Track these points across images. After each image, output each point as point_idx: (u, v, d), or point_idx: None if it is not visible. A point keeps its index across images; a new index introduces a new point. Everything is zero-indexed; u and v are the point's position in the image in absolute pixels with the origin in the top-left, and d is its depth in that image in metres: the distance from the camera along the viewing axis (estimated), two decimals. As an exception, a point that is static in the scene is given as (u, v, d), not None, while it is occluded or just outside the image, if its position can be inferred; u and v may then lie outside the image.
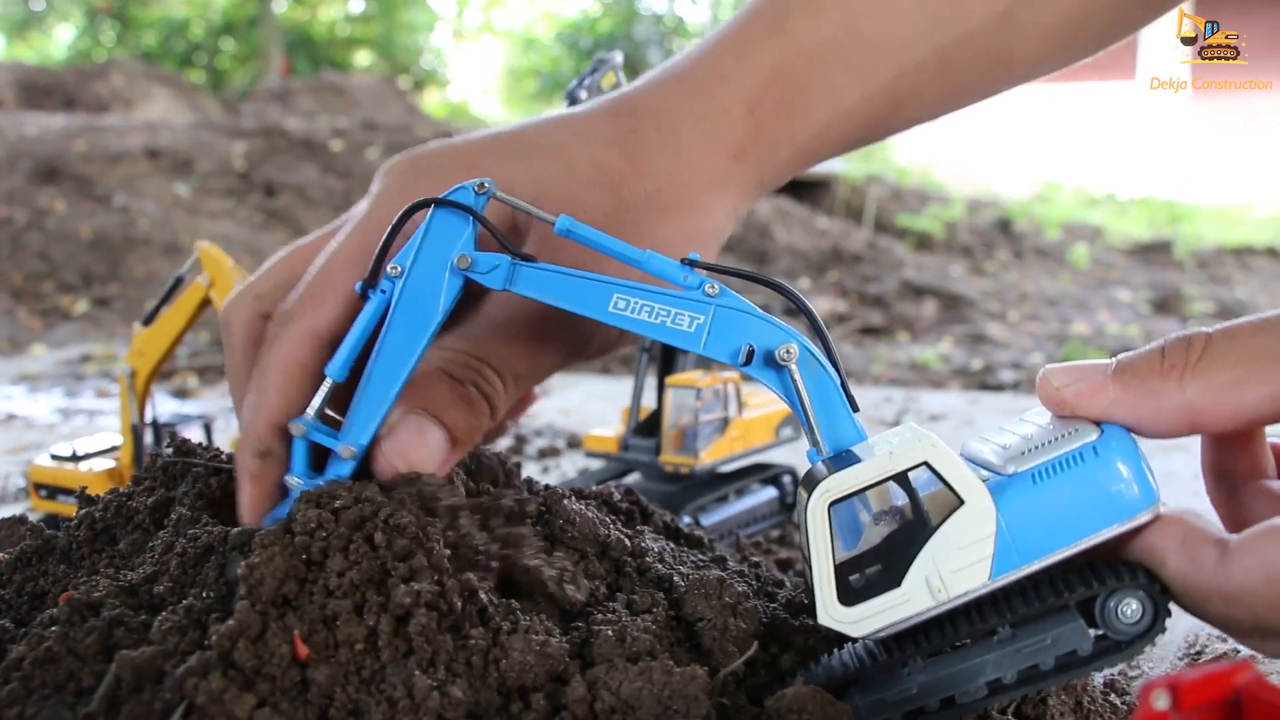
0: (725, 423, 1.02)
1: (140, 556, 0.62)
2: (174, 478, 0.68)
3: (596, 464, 1.12)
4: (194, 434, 1.10)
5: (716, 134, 0.68)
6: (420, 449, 0.57)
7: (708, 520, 0.97)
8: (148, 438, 1.09)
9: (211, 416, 1.24)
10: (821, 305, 2.68)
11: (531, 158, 0.65)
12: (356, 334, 0.56)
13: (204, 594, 0.54)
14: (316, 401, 0.56)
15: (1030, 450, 0.51)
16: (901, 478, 0.50)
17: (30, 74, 5.83)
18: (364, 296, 0.56)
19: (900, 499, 0.51)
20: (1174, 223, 5.70)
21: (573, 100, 0.85)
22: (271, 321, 0.61)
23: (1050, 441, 0.51)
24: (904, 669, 0.52)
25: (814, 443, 0.53)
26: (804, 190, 4.45)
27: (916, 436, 0.51)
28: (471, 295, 0.60)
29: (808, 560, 0.52)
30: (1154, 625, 0.51)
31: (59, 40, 14.31)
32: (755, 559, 0.77)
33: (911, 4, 0.68)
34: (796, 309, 0.54)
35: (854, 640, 0.53)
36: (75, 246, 3.06)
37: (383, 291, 0.56)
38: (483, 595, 0.52)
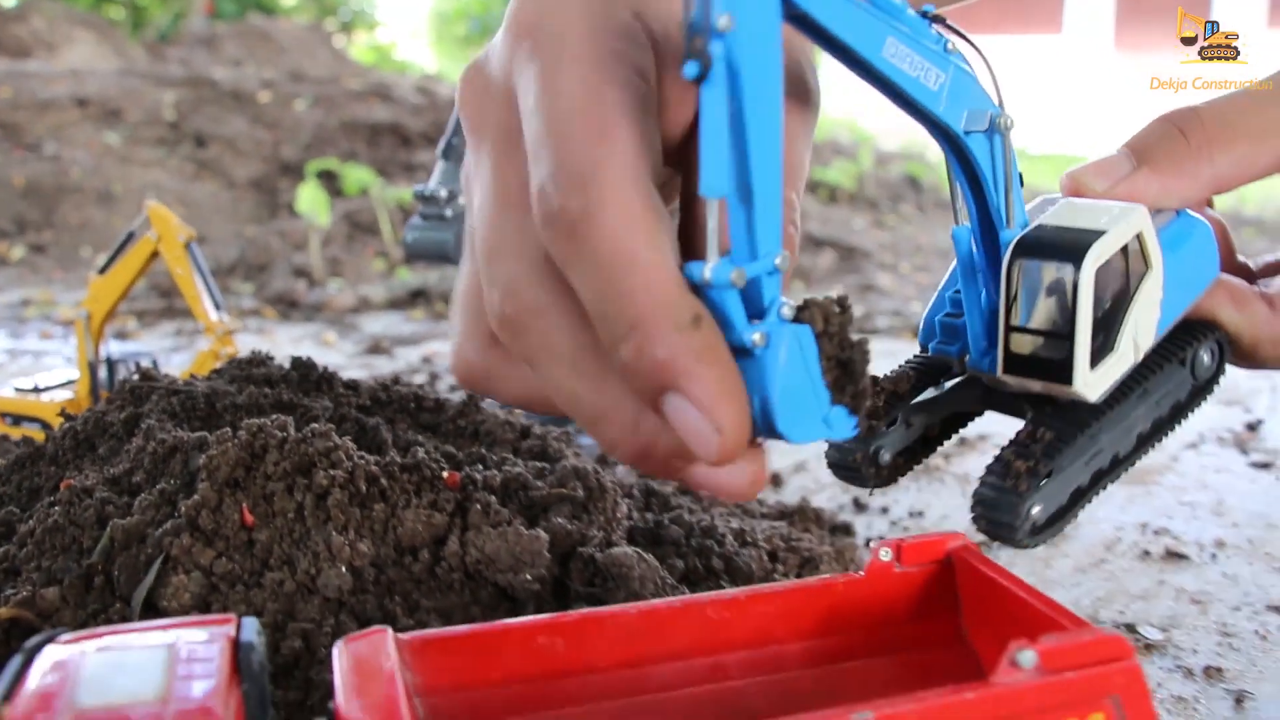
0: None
1: (117, 458, 0.79)
2: (140, 398, 0.85)
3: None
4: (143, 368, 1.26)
5: None
6: None
7: (588, 442, 1.16)
8: (101, 373, 1.25)
9: (154, 354, 1.40)
10: (724, 256, 2.87)
11: None
12: (713, 133, 0.40)
13: (172, 480, 0.72)
14: (715, 237, 0.41)
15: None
16: (1124, 248, 0.54)
17: (-53, 15, 5.77)
18: (700, 80, 0.40)
19: (1110, 270, 0.54)
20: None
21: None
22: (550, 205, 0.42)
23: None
24: (1089, 438, 0.56)
25: (999, 221, 0.54)
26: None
27: (1124, 210, 0.55)
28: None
29: (1024, 327, 0.54)
30: (1219, 371, 0.61)
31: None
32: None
33: None
34: (989, 72, 0.53)
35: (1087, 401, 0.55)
36: (8, 194, 3.14)
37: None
38: (383, 480, 0.70)
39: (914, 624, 0.56)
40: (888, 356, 1.87)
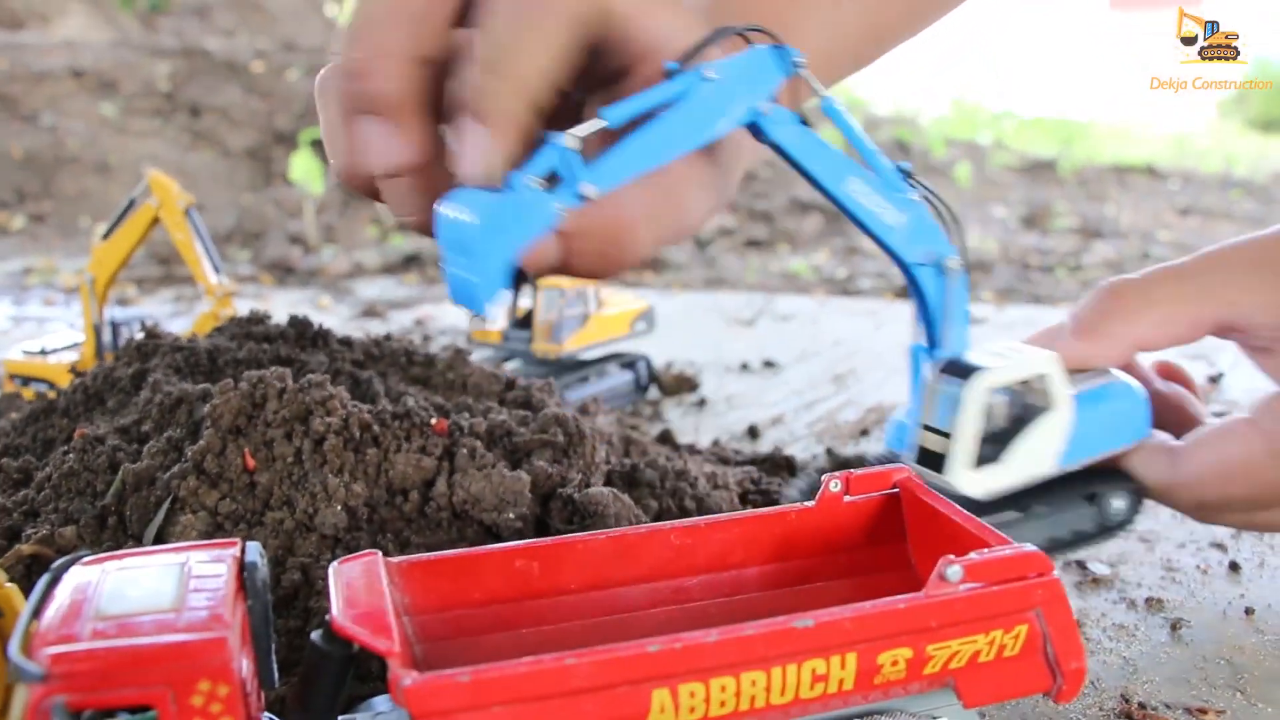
0: (585, 318, 1.26)
1: (126, 409, 0.84)
2: (146, 355, 0.90)
3: (486, 352, 1.35)
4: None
5: None
6: (618, 241, 0.53)
7: (571, 396, 1.21)
8: (105, 335, 1.30)
9: (155, 317, 1.45)
10: (711, 220, 2.91)
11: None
12: (646, 103, 0.52)
13: (179, 429, 0.76)
14: (583, 130, 0.50)
15: (1082, 383, 0.69)
16: (1027, 381, 0.66)
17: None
18: (668, 74, 0.53)
19: (1007, 398, 0.68)
20: (1067, 142, 5.91)
21: None
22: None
23: (1089, 379, 0.69)
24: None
25: (935, 342, 0.66)
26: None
27: (1035, 353, 0.67)
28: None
29: (932, 428, 0.67)
30: (1132, 515, 0.72)
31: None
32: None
33: None
34: (949, 221, 0.64)
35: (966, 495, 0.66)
36: (7, 165, 3.17)
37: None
38: (375, 427, 0.74)
39: (863, 550, 0.61)
40: (868, 315, 1.92)
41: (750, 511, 0.59)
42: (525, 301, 1.29)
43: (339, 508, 0.69)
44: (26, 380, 1.29)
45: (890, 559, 0.61)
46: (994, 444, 0.66)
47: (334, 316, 1.94)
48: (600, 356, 1.32)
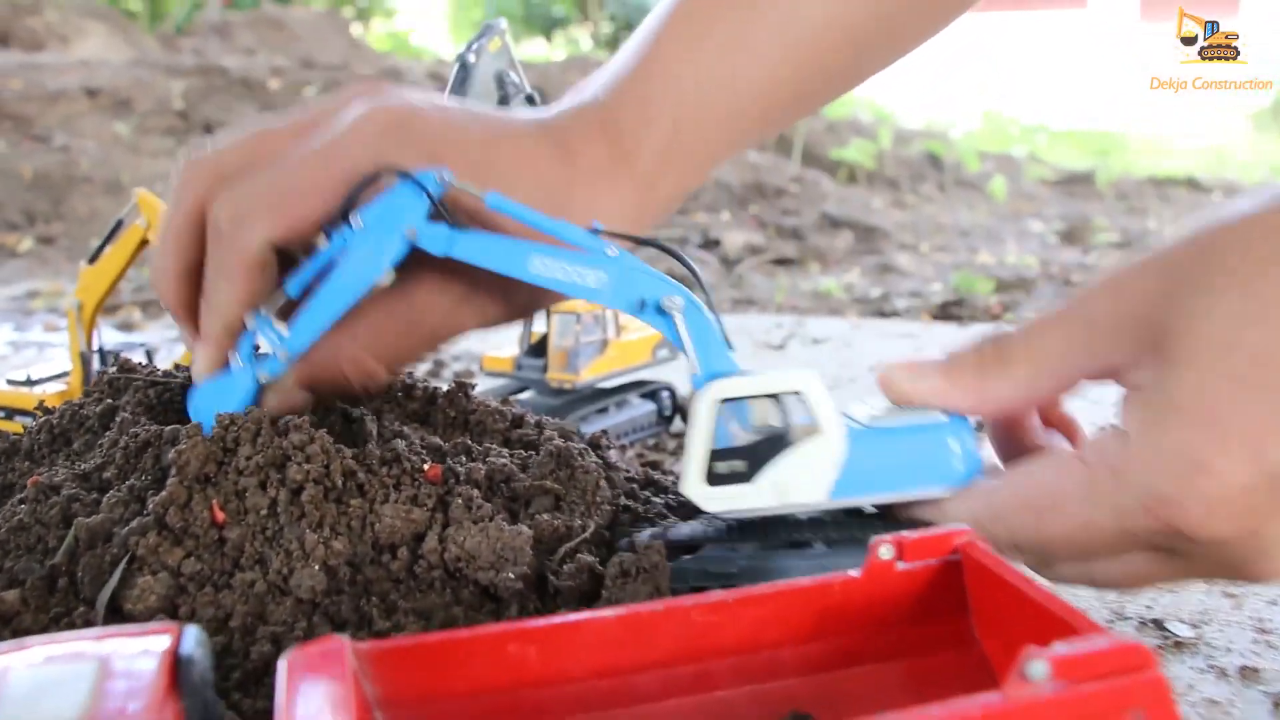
0: (604, 344, 1.18)
1: (91, 452, 0.76)
2: (118, 390, 0.82)
3: (498, 382, 1.27)
4: (137, 359, 1.23)
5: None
6: (344, 374, 0.71)
7: (589, 430, 1.12)
8: (95, 364, 1.22)
9: (154, 346, 1.37)
10: (738, 238, 2.82)
11: (492, 145, 0.73)
12: (317, 265, 0.64)
13: (143, 476, 0.68)
14: (271, 308, 0.65)
15: (892, 417, 0.63)
16: (777, 397, 0.61)
17: (-39, 9, 5.78)
18: (327, 235, 0.64)
19: (773, 420, 0.62)
20: (1103, 154, 5.82)
21: (463, 64, 0.97)
22: (228, 204, 0.66)
23: (907, 415, 0.63)
24: (734, 551, 0.64)
25: (695, 367, 0.63)
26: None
27: (799, 371, 0.62)
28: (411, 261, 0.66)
29: (686, 444, 0.63)
30: None
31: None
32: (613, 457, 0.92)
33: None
34: (684, 267, 0.66)
35: (703, 514, 0.65)
36: (16, 185, 3.12)
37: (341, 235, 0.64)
38: (360, 474, 0.66)
39: (919, 626, 0.52)
40: (907, 338, 1.83)
41: (786, 584, 0.50)
42: (539, 326, 1.21)
43: (316, 567, 0.61)
44: (11, 413, 1.21)
45: (949, 636, 0.52)
46: (746, 461, 0.62)
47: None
48: (620, 385, 1.23)
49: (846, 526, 0.64)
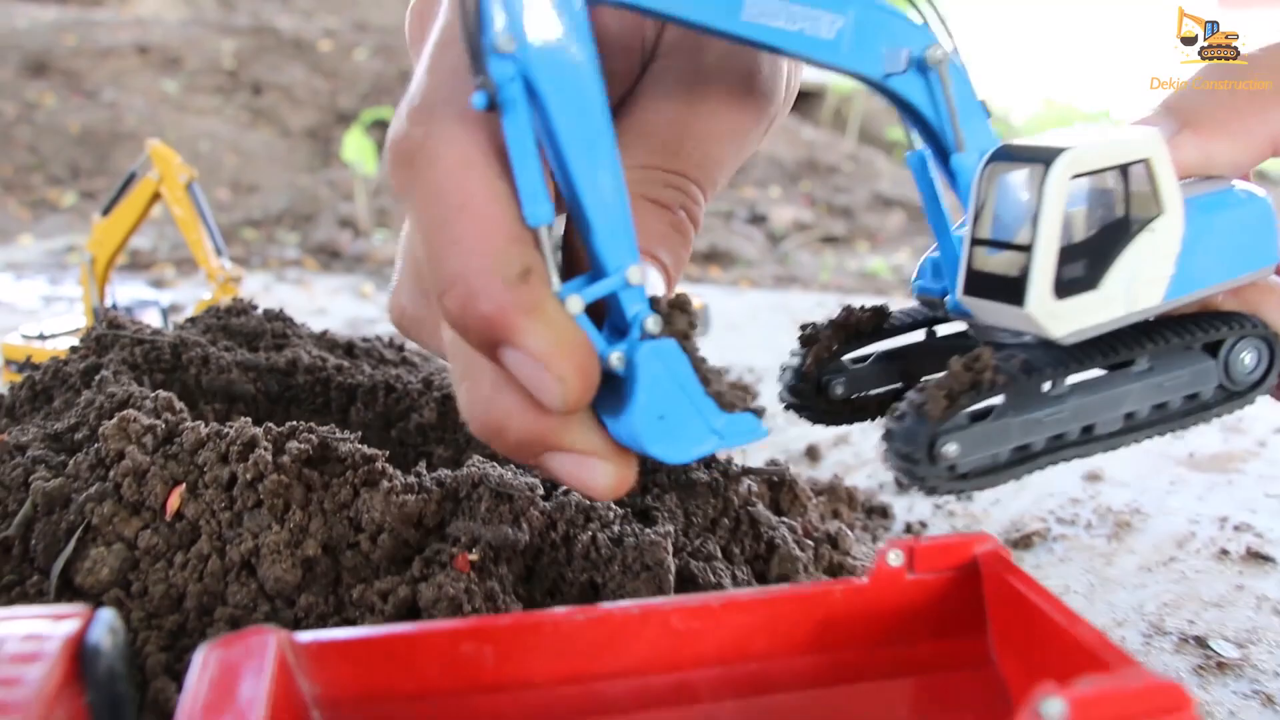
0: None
1: (68, 412, 0.72)
2: (105, 347, 0.78)
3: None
4: (151, 317, 1.20)
5: None
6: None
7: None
8: (108, 320, 1.19)
9: (181, 305, 1.34)
10: (787, 214, 2.75)
11: None
12: (524, 161, 0.38)
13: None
14: (551, 262, 0.39)
15: (1184, 189, 0.49)
16: (1124, 169, 0.46)
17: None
18: (493, 107, 0.37)
19: (1100, 195, 0.47)
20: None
21: None
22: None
23: (1194, 186, 0.50)
24: (1048, 390, 0.49)
25: (950, 145, 0.48)
26: (796, 101, 4.48)
27: (1127, 131, 0.48)
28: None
29: (994, 241, 0.47)
30: (1266, 376, 0.53)
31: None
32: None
33: None
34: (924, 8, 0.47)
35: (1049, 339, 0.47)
36: (64, 140, 3.13)
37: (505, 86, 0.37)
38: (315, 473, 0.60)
39: (929, 642, 0.46)
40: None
41: (780, 589, 0.45)
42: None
43: (283, 550, 0.56)
44: (23, 366, 1.19)
45: (963, 655, 0.46)
46: (1083, 262, 0.47)
47: (374, 305, 1.84)
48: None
49: (1172, 331, 0.51)
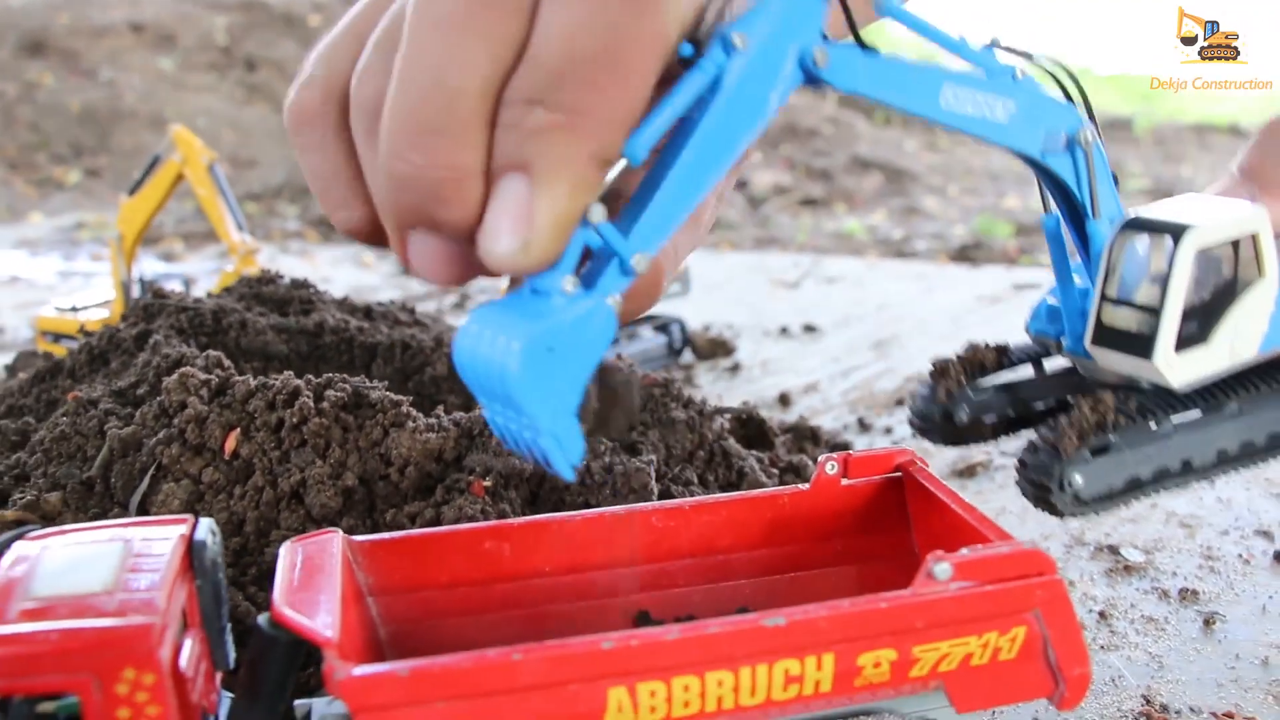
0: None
1: (127, 371, 0.82)
2: (152, 315, 0.88)
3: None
4: (173, 288, 1.30)
5: None
6: (660, 284, 0.44)
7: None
8: (135, 292, 1.29)
9: (193, 277, 1.44)
10: (766, 178, 2.84)
11: None
12: (673, 109, 0.39)
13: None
14: (603, 190, 0.39)
15: None
16: (1235, 243, 0.54)
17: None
18: (685, 63, 0.40)
19: (1212, 262, 0.54)
20: (1148, 99, 5.68)
21: None
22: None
23: None
24: (1155, 430, 0.56)
25: (1085, 211, 0.54)
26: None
27: (1239, 207, 0.54)
28: None
29: (1122, 300, 0.54)
30: None
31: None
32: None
33: None
34: (1067, 91, 0.53)
35: (1160, 389, 0.55)
36: (65, 119, 3.21)
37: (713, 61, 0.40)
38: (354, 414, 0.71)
39: (862, 537, 0.57)
40: (919, 279, 1.86)
41: (738, 494, 0.55)
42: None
43: (326, 482, 0.67)
44: (58, 337, 1.29)
45: (893, 548, 0.57)
46: (1197, 321, 0.54)
47: (375, 274, 1.93)
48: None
49: (1260, 377, 0.58)
